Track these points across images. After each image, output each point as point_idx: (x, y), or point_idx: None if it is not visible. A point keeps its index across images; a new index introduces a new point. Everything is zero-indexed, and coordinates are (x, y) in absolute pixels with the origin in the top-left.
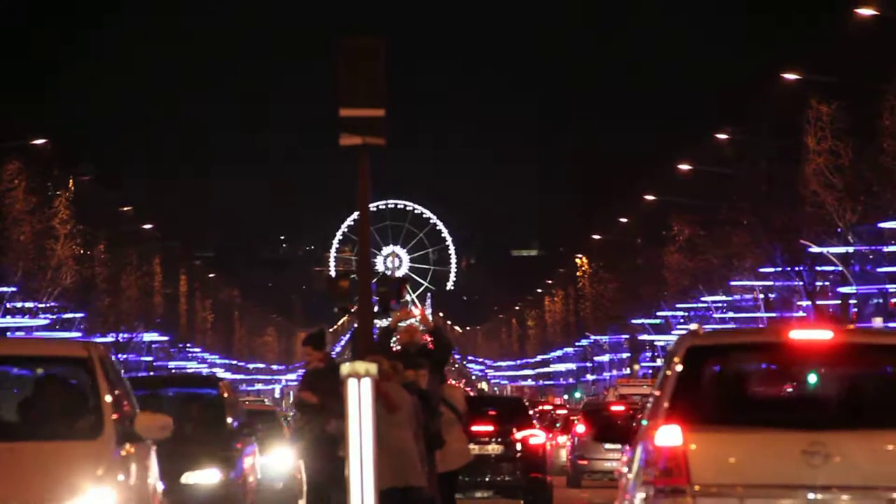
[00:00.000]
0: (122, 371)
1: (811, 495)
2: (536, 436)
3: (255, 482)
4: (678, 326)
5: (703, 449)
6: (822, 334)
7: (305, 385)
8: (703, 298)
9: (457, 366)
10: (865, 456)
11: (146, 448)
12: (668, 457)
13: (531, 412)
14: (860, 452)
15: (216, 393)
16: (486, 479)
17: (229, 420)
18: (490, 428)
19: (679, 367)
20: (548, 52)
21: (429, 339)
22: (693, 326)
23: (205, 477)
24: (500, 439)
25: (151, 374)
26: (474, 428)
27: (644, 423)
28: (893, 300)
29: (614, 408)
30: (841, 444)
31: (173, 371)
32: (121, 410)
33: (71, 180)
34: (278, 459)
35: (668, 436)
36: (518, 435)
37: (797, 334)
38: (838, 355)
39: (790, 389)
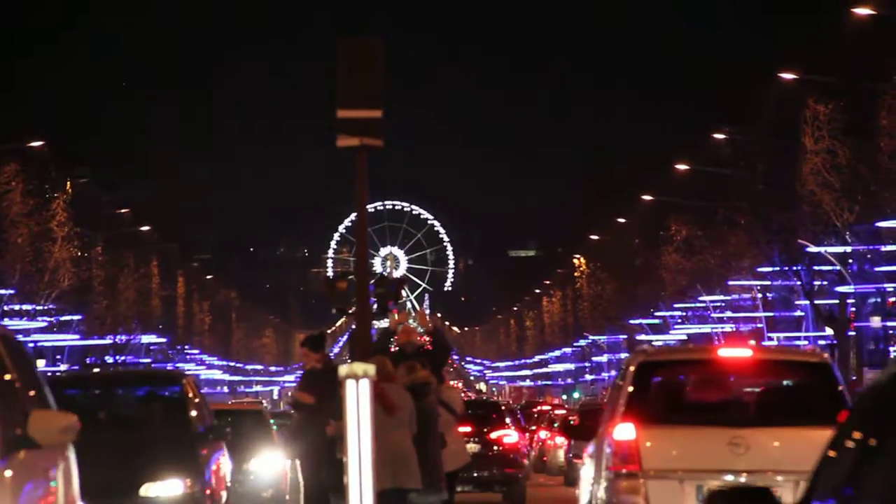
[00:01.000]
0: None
1: (734, 477)
2: (510, 435)
3: (224, 493)
4: (676, 326)
5: (651, 442)
6: (743, 352)
7: (303, 386)
8: (700, 298)
9: (454, 367)
10: (775, 447)
11: (54, 456)
12: (624, 448)
13: (509, 413)
14: (771, 444)
15: (179, 391)
16: (465, 475)
17: (194, 422)
18: (468, 429)
19: (632, 378)
20: (546, 53)
21: (427, 340)
22: (644, 347)
23: (166, 489)
24: (477, 439)
25: (103, 369)
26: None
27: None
28: (891, 299)
29: None
30: (757, 437)
31: (129, 366)
32: (9, 409)
33: (68, 182)
34: (266, 464)
35: (624, 432)
36: (493, 435)
37: (724, 352)
38: (754, 369)
39: (718, 395)
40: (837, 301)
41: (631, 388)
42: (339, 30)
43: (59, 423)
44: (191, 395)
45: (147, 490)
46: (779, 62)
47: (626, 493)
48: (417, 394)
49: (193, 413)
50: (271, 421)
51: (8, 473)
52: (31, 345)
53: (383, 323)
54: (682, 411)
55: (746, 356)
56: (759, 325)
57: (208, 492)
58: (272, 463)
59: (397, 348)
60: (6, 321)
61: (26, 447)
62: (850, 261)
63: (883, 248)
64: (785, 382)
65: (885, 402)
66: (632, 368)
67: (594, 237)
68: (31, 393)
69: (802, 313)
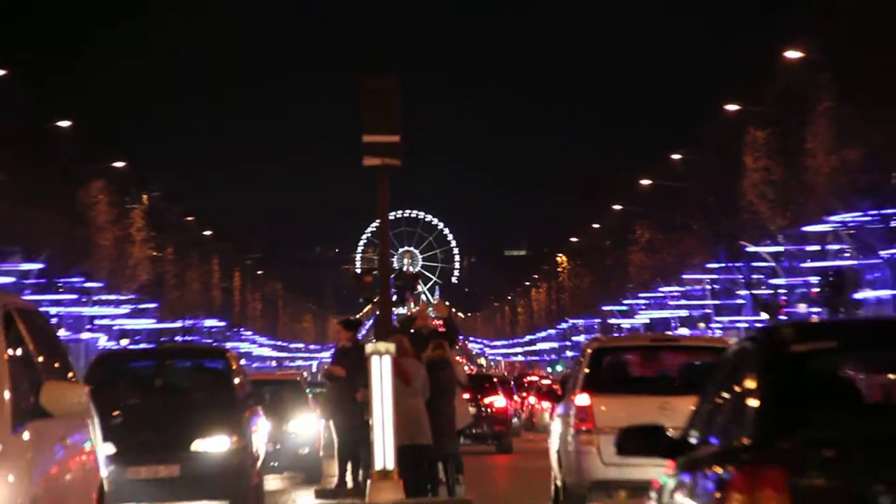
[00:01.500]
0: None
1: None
2: (499, 401)
3: (259, 450)
4: (640, 312)
5: (602, 406)
6: (670, 339)
7: (336, 361)
8: (660, 289)
9: (459, 345)
10: (692, 409)
11: (71, 425)
12: (583, 411)
13: (503, 384)
14: (689, 408)
15: (223, 363)
16: (466, 432)
17: (236, 389)
18: (467, 396)
19: (588, 359)
20: (533, 88)
21: (439, 323)
22: (598, 336)
23: (215, 444)
24: (474, 404)
25: (159, 345)
26: None
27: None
28: (815, 290)
29: None
30: (679, 403)
31: (180, 342)
32: (22, 381)
33: (144, 196)
34: (303, 426)
35: (583, 399)
36: (486, 401)
37: (655, 339)
38: (676, 353)
39: (654, 372)
40: (771, 291)
41: (587, 367)
42: (363, 58)
43: (71, 394)
44: (233, 367)
45: (198, 445)
46: (725, 95)
47: (584, 444)
48: (438, 367)
49: (236, 381)
50: (307, 389)
51: (19, 442)
52: (115, 328)
53: (401, 310)
54: (625, 384)
55: (671, 343)
56: (708, 311)
57: (249, 448)
58: (308, 424)
59: (413, 330)
60: (96, 309)
61: (38, 417)
62: (782, 258)
63: (807, 248)
64: (697, 362)
65: (725, 369)
66: (589, 351)
67: (574, 239)
68: (56, 364)
69: (743, 301)
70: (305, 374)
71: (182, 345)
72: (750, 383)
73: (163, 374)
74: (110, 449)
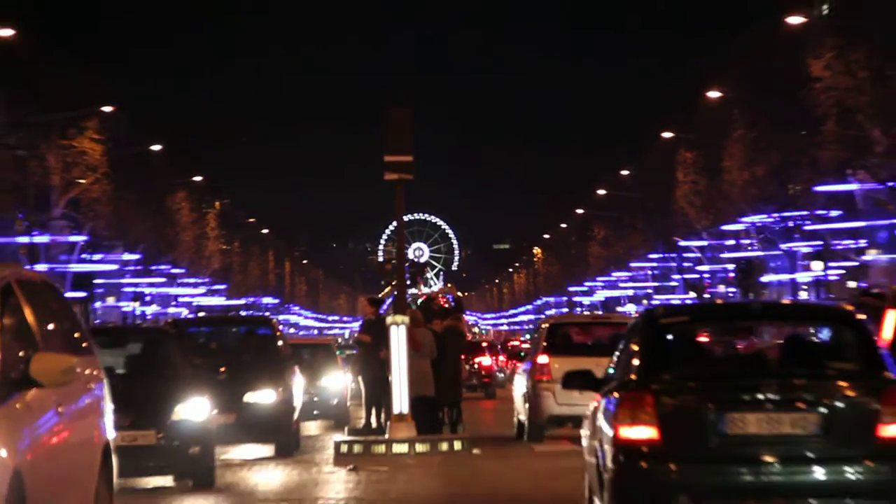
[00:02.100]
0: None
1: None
2: (486, 360)
3: (299, 400)
4: (597, 292)
5: (555, 364)
6: (601, 317)
7: (363, 330)
8: (613, 274)
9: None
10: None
11: (67, 393)
12: (542, 367)
13: (489, 347)
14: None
15: (269, 330)
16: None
17: (280, 351)
18: (463, 357)
19: (545, 332)
20: (510, 112)
21: (448, 300)
22: (552, 314)
23: (263, 396)
24: (467, 362)
25: (216, 315)
26: None
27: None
28: (731, 274)
29: None
30: (607, 361)
31: (234, 313)
32: (12, 351)
33: (217, 203)
34: (333, 381)
35: (543, 359)
36: (476, 360)
37: (593, 317)
38: (606, 326)
39: (591, 340)
40: (698, 276)
41: (546, 337)
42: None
43: (60, 365)
44: (277, 333)
45: (249, 397)
46: (662, 124)
47: (544, 391)
48: (451, 334)
49: (280, 345)
50: (338, 352)
51: (5, 412)
52: (194, 304)
53: (413, 290)
54: (571, 349)
55: (601, 321)
56: (649, 291)
57: (290, 400)
58: (337, 380)
59: (433, 307)
60: (180, 289)
61: (27, 387)
62: (706, 250)
63: (725, 243)
64: (619, 332)
65: (626, 335)
66: (545, 325)
67: (546, 236)
68: (64, 335)
69: (676, 283)
70: (339, 339)
71: (234, 315)
72: (636, 343)
73: (217, 340)
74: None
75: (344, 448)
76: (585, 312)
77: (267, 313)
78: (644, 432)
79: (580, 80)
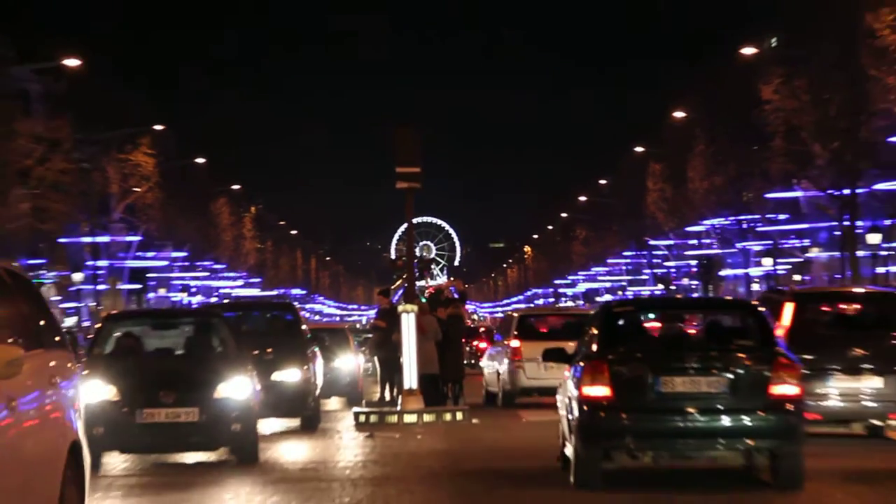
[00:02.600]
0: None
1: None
2: (482, 342)
3: (319, 379)
4: (579, 284)
5: (525, 347)
6: (563, 310)
7: (378, 317)
8: (592, 269)
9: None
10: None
11: (26, 387)
12: (515, 349)
13: (488, 332)
14: (572, 346)
15: (293, 315)
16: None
17: (303, 334)
18: (463, 339)
19: (516, 321)
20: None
21: (453, 291)
22: (521, 308)
23: (289, 375)
24: (467, 344)
25: (244, 300)
26: None
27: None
28: (694, 269)
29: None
30: (567, 345)
31: (259, 298)
32: None
33: (253, 208)
34: (346, 362)
35: (515, 343)
36: (474, 343)
37: (552, 310)
38: (567, 317)
39: (551, 328)
40: (665, 270)
41: (516, 325)
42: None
43: (3, 357)
44: (300, 318)
45: (276, 376)
46: (632, 139)
47: (516, 367)
48: (453, 320)
49: (303, 328)
50: (354, 336)
51: None
52: (233, 295)
53: (420, 283)
54: (538, 334)
55: (563, 312)
56: (624, 284)
57: (312, 378)
58: (349, 361)
59: (441, 297)
60: (221, 282)
61: None
62: (672, 249)
63: (689, 242)
64: (573, 321)
65: (588, 322)
66: (516, 315)
67: (535, 236)
68: (16, 329)
69: (647, 277)
70: (357, 325)
71: (262, 301)
72: (595, 327)
73: (246, 323)
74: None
75: (362, 418)
76: (544, 305)
77: (295, 302)
78: (601, 391)
79: (561, 106)
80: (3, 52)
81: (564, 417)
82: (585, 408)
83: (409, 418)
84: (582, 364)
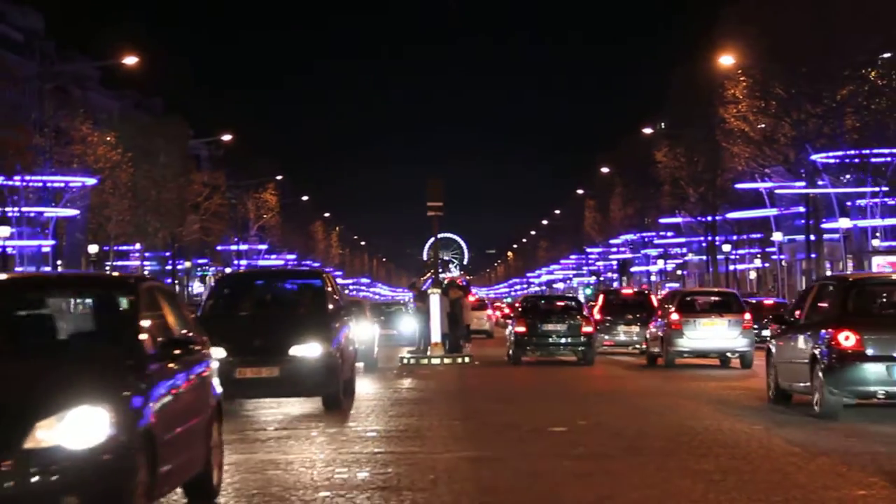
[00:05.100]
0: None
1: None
2: (487, 316)
3: (352, 352)
4: (542, 276)
5: (520, 325)
6: (707, 291)
7: (416, 297)
8: (552, 266)
9: (471, 294)
10: (567, 328)
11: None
12: (675, 321)
13: (482, 305)
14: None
15: (320, 283)
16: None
17: (329, 305)
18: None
19: (520, 304)
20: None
21: (462, 281)
22: (518, 289)
23: (309, 350)
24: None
25: (269, 268)
26: None
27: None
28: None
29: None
30: (716, 321)
31: (289, 266)
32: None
33: (338, 227)
34: (362, 330)
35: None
36: (484, 313)
37: (543, 299)
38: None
39: (549, 309)
40: (597, 268)
41: (519, 308)
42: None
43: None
44: (329, 287)
45: (295, 350)
46: (600, 160)
47: (671, 333)
48: (456, 302)
49: (330, 298)
50: (404, 308)
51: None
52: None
53: (442, 275)
54: (693, 309)
55: (709, 292)
56: (571, 276)
57: (337, 353)
58: (365, 329)
59: (452, 283)
60: (268, 263)
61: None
62: (601, 254)
63: (612, 250)
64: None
65: (522, 305)
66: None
67: (515, 246)
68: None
69: (585, 272)
70: (402, 301)
71: (287, 268)
72: (829, 299)
73: (272, 292)
74: (222, 353)
75: (405, 361)
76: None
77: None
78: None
79: (555, 93)
80: (182, 131)
81: (777, 369)
82: (836, 356)
83: (435, 361)
84: (831, 328)
